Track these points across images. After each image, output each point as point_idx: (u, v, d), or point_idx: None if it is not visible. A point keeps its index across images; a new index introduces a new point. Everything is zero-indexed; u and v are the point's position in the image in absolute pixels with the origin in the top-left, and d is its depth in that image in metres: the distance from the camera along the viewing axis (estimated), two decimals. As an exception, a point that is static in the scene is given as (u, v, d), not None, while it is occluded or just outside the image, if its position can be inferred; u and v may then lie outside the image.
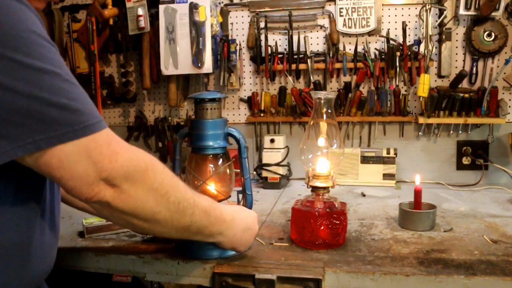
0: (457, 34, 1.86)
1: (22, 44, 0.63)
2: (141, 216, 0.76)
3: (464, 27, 1.85)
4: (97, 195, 0.70)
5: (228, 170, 1.16)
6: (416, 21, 1.89)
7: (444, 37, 1.85)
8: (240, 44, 2.00)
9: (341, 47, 1.94)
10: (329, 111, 1.22)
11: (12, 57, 0.61)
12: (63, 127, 0.65)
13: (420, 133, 1.91)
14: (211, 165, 1.15)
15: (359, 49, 1.91)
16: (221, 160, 1.16)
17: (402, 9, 1.91)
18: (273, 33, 2.01)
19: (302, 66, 1.94)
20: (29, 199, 0.76)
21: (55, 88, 0.65)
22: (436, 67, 1.90)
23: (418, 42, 1.84)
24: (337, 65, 1.92)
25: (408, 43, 1.85)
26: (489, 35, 1.78)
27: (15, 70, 0.61)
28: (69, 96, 0.66)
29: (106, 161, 0.69)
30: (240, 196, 1.20)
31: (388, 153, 1.85)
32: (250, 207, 1.16)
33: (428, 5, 1.79)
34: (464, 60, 1.87)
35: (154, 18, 1.97)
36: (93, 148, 0.68)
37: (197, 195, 0.86)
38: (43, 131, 0.64)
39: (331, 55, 1.93)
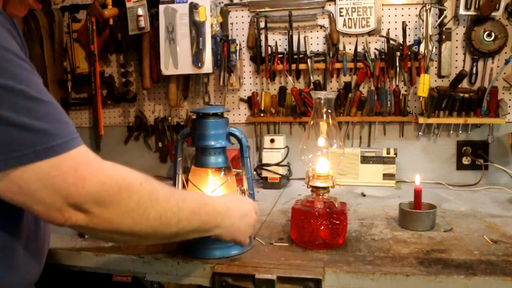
0: (457, 34, 1.86)
1: None
2: (120, 233, 0.74)
3: (464, 27, 1.85)
4: (68, 220, 0.67)
5: (229, 179, 1.16)
6: (416, 21, 1.89)
7: (444, 37, 1.85)
8: (240, 44, 2.00)
9: (341, 47, 1.94)
10: (329, 111, 1.22)
11: None
12: (23, 148, 0.61)
13: (420, 133, 1.92)
14: (214, 178, 1.15)
15: (359, 49, 1.91)
16: (223, 173, 1.15)
17: (402, 9, 1.91)
18: (273, 33, 2.01)
19: (302, 66, 1.94)
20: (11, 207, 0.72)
21: (16, 107, 0.61)
22: (436, 67, 1.90)
23: (418, 42, 1.84)
24: (337, 65, 1.92)
25: (408, 43, 1.85)
26: (489, 35, 1.78)
27: None
28: (33, 115, 0.62)
29: (71, 189, 0.65)
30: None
31: (388, 153, 1.85)
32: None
33: (428, 5, 1.79)
34: (464, 60, 1.87)
35: (154, 18, 1.97)
36: (56, 175, 0.64)
37: (183, 198, 0.82)
38: (1, 152, 0.60)
39: (331, 55, 1.93)
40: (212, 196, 0.96)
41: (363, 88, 1.95)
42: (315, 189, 1.18)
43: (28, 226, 0.79)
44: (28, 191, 0.63)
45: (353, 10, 1.92)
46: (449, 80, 1.87)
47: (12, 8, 0.71)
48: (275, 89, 2.03)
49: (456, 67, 1.88)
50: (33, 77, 0.65)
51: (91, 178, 0.67)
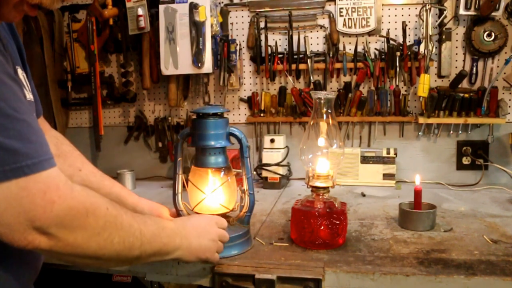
0: (457, 34, 1.86)
1: None
2: (84, 257, 0.73)
3: (464, 27, 1.85)
4: (31, 244, 0.66)
5: (229, 179, 1.16)
6: (416, 21, 1.89)
7: (444, 37, 1.85)
8: (240, 44, 2.00)
9: (341, 47, 1.94)
10: (329, 111, 1.22)
11: None
12: None
13: (420, 133, 1.92)
14: (214, 178, 1.15)
15: (359, 49, 1.91)
16: (223, 173, 1.15)
17: (402, 9, 1.91)
18: (273, 33, 2.01)
19: (302, 66, 1.94)
20: None
21: None
22: (436, 67, 1.90)
23: (418, 42, 1.84)
24: (337, 65, 1.92)
25: (408, 43, 1.85)
26: (489, 35, 1.78)
27: None
28: (5, 133, 0.61)
29: (39, 211, 0.64)
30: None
31: (388, 153, 1.85)
32: (252, 206, 1.16)
33: (428, 5, 1.79)
34: (464, 60, 1.87)
35: (154, 18, 1.97)
36: (24, 196, 0.63)
37: (143, 222, 0.82)
38: None
39: (331, 55, 1.93)
40: (168, 221, 0.95)
41: (363, 88, 1.95)
42: (315, 189, 1.18)
43: None
44: None
45: (353, 10, 1.92)
46: (449, 80, 1.87)
47: (6, 14, 0.70)
48: (275, 89, 2.03)
49: (456, 67, 1.88)
50: (12, 92, 0.64)
51: (60, 202, 0.66)
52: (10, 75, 0.66)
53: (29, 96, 0.83)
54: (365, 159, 1.87)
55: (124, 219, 0.78)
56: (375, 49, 1.91)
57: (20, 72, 0.84)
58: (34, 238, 0.66)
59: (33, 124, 0.67)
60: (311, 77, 1.94)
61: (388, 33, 1.88)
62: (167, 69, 1.93)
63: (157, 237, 0.85)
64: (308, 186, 1.20)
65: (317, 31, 1.98)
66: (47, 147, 0.68)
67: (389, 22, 1.92)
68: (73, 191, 0.69)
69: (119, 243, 0.76)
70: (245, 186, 1.16)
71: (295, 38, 1.95)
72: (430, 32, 1.79)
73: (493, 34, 1.78)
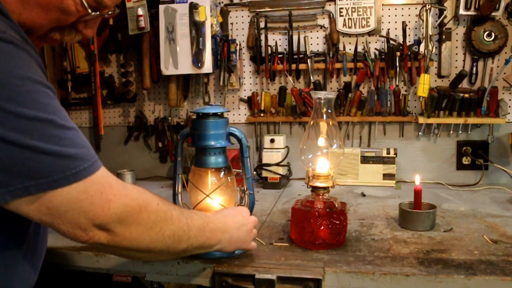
0: (457, 34, 1.86)
1: (15, 92, 0.62)
2: (138, 250, 0.78)
3: (464, 27, 1.85)
4: (92, 239, 0.71)
5: (229, 179, 1.16)
6: (416, 21, 1.89)
7: (444, 37, 1.85)
8: (240, 44, 2.00)
9: (341, 47, 1.94)
10: (329, 111, 1.22)
11: (4, 107, 0.61)
12: (54, 174, 0.65)
13: (420, 133, 1.92)
14: (214, 178, 1.15)
15: (359, 49, 1.91)
16: (223, 173, 1.15)
17: (402, 9, 1.91)
18: (273, 33, 2.01)
19: (302, 66, 1.94)
20: (11, 236, 0.76)
21: (47, 136, 0.65)
22: (436, 67, 1.90)
23: (418, 42, 1.85)
24: (337, 65, 1.92)
25: (408, 43, 1.85)
26: (489, 35, 1.78)
27: (7, 120, 0.62)
28: (61, 143, 0.66)
29: (98, 210, 0.69)
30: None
31: (388, 153, 1.85)
32: (252, 206, 1.16)
33: (428, 5, 1.79)
34: (464, 60, 1.87)
35: (154, 18, 1.97)
36: (84, 199, 0.68)
37: (190, 217, 0.88)
38: (34, 177, 0.64)
39: (331, 55, 1.93)
40: (212, 214, 1.01)
41: (363, 88, 1.95)
42: (315, 189, 1.18)
43: (28, 242, 0.81)
44: (57, 212, 0.67)
45: (353, 10, 1.92)
46: (449, 80, 1.87)
47: (33, 41, 0.75)
48: (275, 89, 2.03)
49: (456, 67, 1.88)
50: (58, 105, 0.69)
51: (116, 200, 0.71)
52: (52, 89, 0.70)
53: None
54: (365, 159, 1.87)
55: (174, 214, 0.83)
56: (375, 49, 1.91)
57: None
58: (94, 234, 0.71)
59: (78, 130, 0.71)
60: (311, 77, 1.94)
61: (388, 33, 1.88)
62: (167, 69, 1.93)
63: (202, 231, 0.90)
64: (308, 186, 1.19)
65: (317, 31, 1.98)
66: (92, 149, 0.72)
67: (389, 22, 1.92)
68: (126, 188, 0.74)
69: (170, 237, 0.81)
70: (245, 186, 1.16)
71: (295, 38, 1.95)
72: (430, 32, 1.79)
73: (493, 34, 1.78)
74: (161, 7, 1.91)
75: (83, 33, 0.82)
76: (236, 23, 2.04)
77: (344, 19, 1.93)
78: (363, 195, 1.71)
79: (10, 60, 0.63)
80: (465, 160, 1.90)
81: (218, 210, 1.09)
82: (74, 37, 0.82)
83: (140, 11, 1.92)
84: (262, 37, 1.98)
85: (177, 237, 0.83)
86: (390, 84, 1.92)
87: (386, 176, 1.85)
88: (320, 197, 1.18)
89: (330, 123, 1.22)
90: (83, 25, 0.81)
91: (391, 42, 1.87)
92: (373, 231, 1.28)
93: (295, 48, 1.95)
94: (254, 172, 1.94)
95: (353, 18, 1.92)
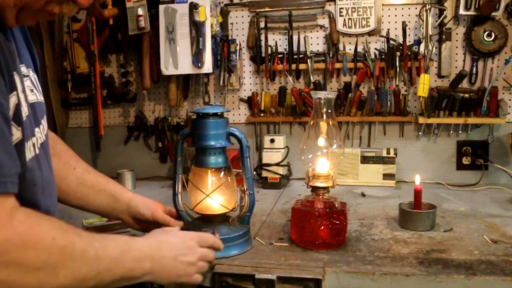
0: (457, 34, 1.86)
1: None
2: None
3: (464, 27, 1.85)
4: None
5: (229, 179, 1.16)
6: (416, 21, 1.89)
7: (444, 37, 1.85)
8: (240, 44, 2.00)
9: (341, 47, 1.94)
10: (329, 111, 1.22)
11: None
12: None
13: (420, 133, 1.91)
14: (214, 178, 1.15)
15: (359, 49, 1.91)
16: (223, 173, 1.16)
17: (402, 9, 1.91)
18: (273, 33, 2.01)
19: (302, 66, 1.94)
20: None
21: None
22: (436, 67, 1.90)
23: (418, 42, 1.85)
24: (337, 65, 1.92)
25: (408, 43, 1.85)
26: (489, 35, 1.78)
27: None
28: None
29: None
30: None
31: (388, 153, 1.85)
32: (252, 206, 1.16)
33: (428, 5, 1.79)
34: (464, 60, 1.87)
35: (154, 18, 1.97)
36: None
37: (104, 247, 0.75)
38: None
39: (331, 55, 1.93)
40: (141, 239, 0.88)
41: (363, 88, 1.95)
42: (315, 189, 1.18)
43: None
44: None
45: (353, 10, 1.92)
46: (449, 80, 1.87)
47: (23, 18, 0.71)
48: (275, 89, 2.03)
49: (456, 67, 1.88)
50: None
51: None
52: None
53: (40, 98, 0.85)
54: (365, 159, 1.87)
55: (76, 248, 0.70)
56: (375, 49, 1.91)
57: (31, 74, 0.86)
58: None
59: (4, 142, 0.60)
60: (311, 77, 1.94)
61: (388, 33, 1.88)
62: (167, 69, 1.93)
63: (119, 263, 0.78)
64: (308, 186, 1.20)
65: (317, 31, 1.98)
66: (7, 169, 0.61)
67: (389, 22, 1.92)
68: (13, 220, 0.62)
69: (66, 276, 0.68)
70: (245, 186, 1.16)
71: (295, 38, 1.95)
72: (430, 32, 1.79)
73: (493, 34, 1.78)
74: (161, 7, 1.91)
75: (79, 2, 0.75)
76: (236, 23, 2.04)
77: (344, 19, 1.93)
78: (363, 195, 1.71)
79: None
80: (465, 160, 1.90)
81: (156, 233, 0.96)
82: (72, 8, 0.75)
83: (140, 11, 1.92)
84: (262, 37, 1.98)
85: (79, 274, 0.70)
86: (390, 84, 1.92)
87: (386, 176, 1.85)
88: (320, 197, 1.18)
89: (330, 123, 1.22)
90: None
91: (391, 42, 1.87)
92: (373, 231, 1.28)
93: (295, 48, 1.95)
94: (254, 172, 1.94)
95: (353, 18, 1.92)
